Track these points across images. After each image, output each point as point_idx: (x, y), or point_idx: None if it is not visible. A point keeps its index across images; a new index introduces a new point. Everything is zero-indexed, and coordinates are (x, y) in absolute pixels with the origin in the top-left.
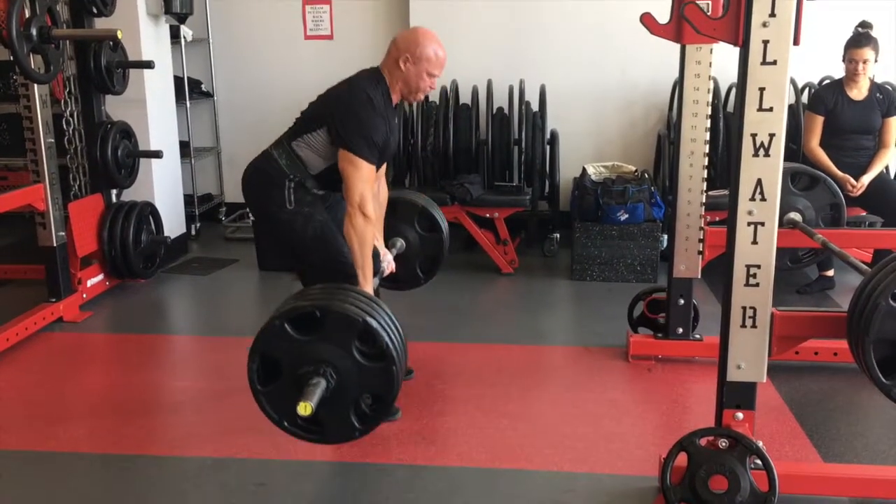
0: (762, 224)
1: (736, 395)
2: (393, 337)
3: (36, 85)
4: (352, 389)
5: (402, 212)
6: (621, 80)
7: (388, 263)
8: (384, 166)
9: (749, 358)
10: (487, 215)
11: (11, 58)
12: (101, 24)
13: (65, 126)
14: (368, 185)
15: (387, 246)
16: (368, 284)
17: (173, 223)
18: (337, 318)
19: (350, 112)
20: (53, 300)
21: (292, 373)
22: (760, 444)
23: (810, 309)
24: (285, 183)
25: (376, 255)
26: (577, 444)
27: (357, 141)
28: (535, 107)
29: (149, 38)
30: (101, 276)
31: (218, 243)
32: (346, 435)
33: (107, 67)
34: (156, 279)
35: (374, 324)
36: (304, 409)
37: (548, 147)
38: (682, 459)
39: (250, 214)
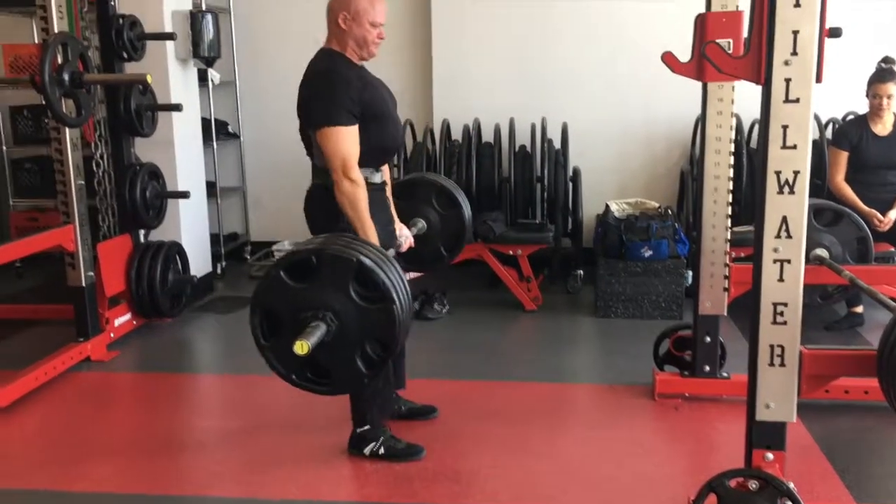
0: (788, 261)
1: (765, 436)
2: (392, 276)
3: (67, 128)
4: (354, 333)
5: (420, 193)
6: (643, 117)
7: (406, 238)
8: (393, 152)
9: (778, 397)
10: (510, 252)
11: (44, 102)
12: (131, 68)
13: (94, 168)
14: (350, 148)
15: (408, 227)
16: (371, 239)
17: (199, 262)
18: (332, 261)
19: (311, 94)
20: (81, 340)
21: (293, 321)
22: (791, 485)
23: (840, 347)
24: (333, 203)
25: (392, 234)
26: (603, 485)
27: (325, 110)
28: (557, 144)
29: (177, 82)
30: (128, 316)
31: (243, 282)
32: (354, 382)
33: (136, 110)
34: (182, 318)
35: (369, 262)
36: (301, 347)
37: (570, 184)
38: (711, 501)
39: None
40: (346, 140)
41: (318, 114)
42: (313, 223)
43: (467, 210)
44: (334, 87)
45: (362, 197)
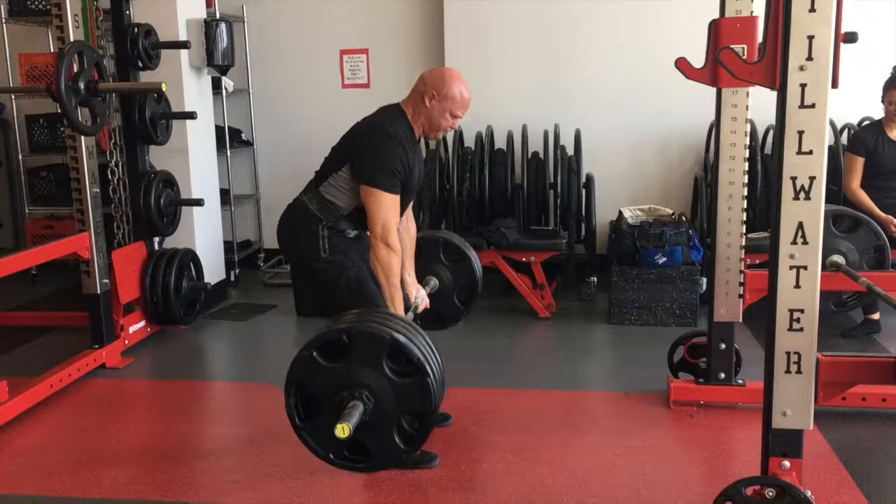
0: (805, 268)
1: (782, 443)
2: (423, 350)
3: (83, 137)
4: (390, 409)
5: (426, 250)
6: (657, 123)
7: (423, 299)
8: (410, 204)
9: (795, 405)
10: (524, 259)
11: (60, 111)
12: (146, 77)
13: (110, 176)
14: (391, 215)
15: (421, 285)
16: (399, 313)
17: (213, 269)
18: (364, 339)
19: (368, 145)
20: (96, 347)
21: (329, 401)
22: (809, 493)
23: (857, 354)
24: (318, 230)
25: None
26: (618, 493)
27: (375, 172)
28: (570, 151)
29: (191, 90)
30: (142, 323)
31: (257, 289)
32: (393, 457)
33: (151, 119)
34: (196, 325)
35: (402, 338)
36: (342, 430)
37: (583, 191)
38: None
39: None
40: (391, 207)
41: (372, 172)
42: (289, 240)
43: (476, 260)
44: (394, 155)
45: (396, 264)
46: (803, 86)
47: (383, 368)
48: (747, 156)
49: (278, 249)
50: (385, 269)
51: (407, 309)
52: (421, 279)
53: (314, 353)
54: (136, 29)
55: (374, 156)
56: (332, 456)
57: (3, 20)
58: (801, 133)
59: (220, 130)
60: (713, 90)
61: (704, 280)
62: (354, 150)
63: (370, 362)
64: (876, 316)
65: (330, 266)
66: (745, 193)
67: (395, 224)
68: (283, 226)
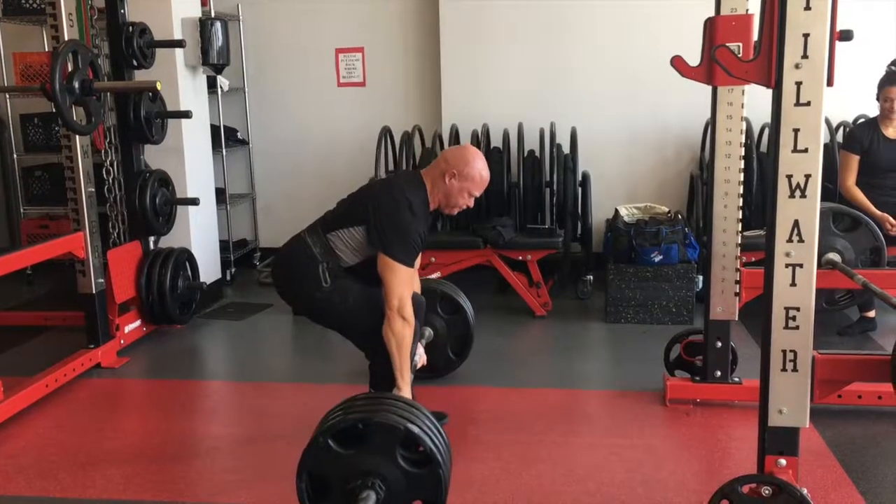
0: (800, 266)
1: (778, 441)
2: (436, 440)
3: (77, 136)
4: (401, 497)
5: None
6: (652, 121)
7: (420, 356)
8: (419, 260)
9: (791, 403)
10: (520, 258)
11: (54, 110)
12: (140, 76)
13: (105, 175)
14: (407, 288)
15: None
16: (406, 386)
17: (209, 269)
18: (378, 428)
19: (390, 218)
20: (92, 346)
21: (341, 488)
22: (805, 491)
23: (853, 352)
24: (318, 266)
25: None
26: (615, 492)
27: (397, 247)
28: (566, 149)
29: (187, 89)
30: (138, 323)
31: (252, 288)
32: None
33: (146, 118)
34: (191, 325)
35: (416, 429)
36: None
37: (579, 189)
38: None
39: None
40: (407, 280)
41: (392, 245)
42: (288, 277)
43: (470, 312)
44: (414, 229)
45: (410, 336)
46: (799, 84)
47: (396, 458)
48: (743, 154)
49: (274, 248)
50: (399, 341)
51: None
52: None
53: (329, 441)
54: (130, 28)
55: (397, 230)
56: None
57: None
58: (796, 131)
59: (215, 129)
60: (709, 88)
61: (700, 278)
62: (375, 217)
63: (383, 451)
64: (871, 314)
65: (332, 293)
66: (741, 191)
67: (410, 297)
68: (281, 265)
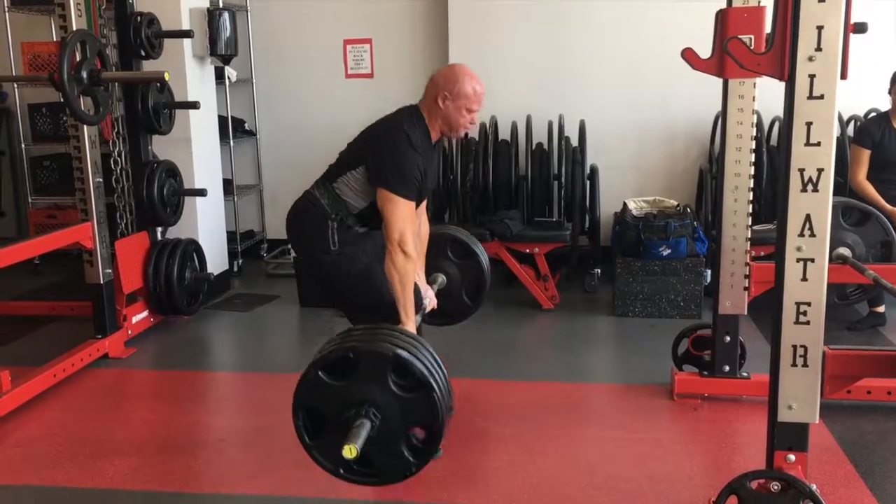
0: (812, 260)
1: (787, 437)
2: (428, 364)
3: (85, 126)
4: (397, 424)
5: (434, 247)
6: (662, 114)
7: (430, 300)
8: (424, 203)
9: (800, 398)
10: (527, 251)
11: (62, 100)
12: (148, 66)
13: (112, 165)
14: (408, 222)
15: (428, 283)
16: (410, 322)
17: (216, 260)
18: (368, 356)
19: (387, 151)
20: (99, 337)
21: (337, 420)
22: (814, 487)
23: (863, 347)
24: (328, 223)
25: (417, 293)
26: (622, 486)
27: (394, 179)
28: (574, 142)
29: (194, 80)
30: (145, 313)
31: (259, 279)
32: (402, 472)
33: (154, 108)
34: (199, 315)
35: (406, 354)
36: (350, 451)
37: (588, 182)
38: (732, 503)
39: (293, 252)
40: (407, 214)
41: (390, 178)
42: (298, 232)
43: (484, 256)
44: (411, 160)
45: (413, 270)
46: (812, 77)
47: (388, 384)
48: (753, 147)
49: (282, 240)
50: (401, 275)
51: (416, 311)
52: (428, 276)
53: (319, 373)
54: (139, 18)
55: (394, 162)
56: (342, 472)
57: (6, 9)
58: (809, 125)
59: (222, 120)
60: (719, 81)
61: (709, 272)
62: (373, 153)
63: (375, 379)
64: (881, 309)
65: (339, 258)
66: (751, 185)
67: (411, 231)
68: (292, 218)
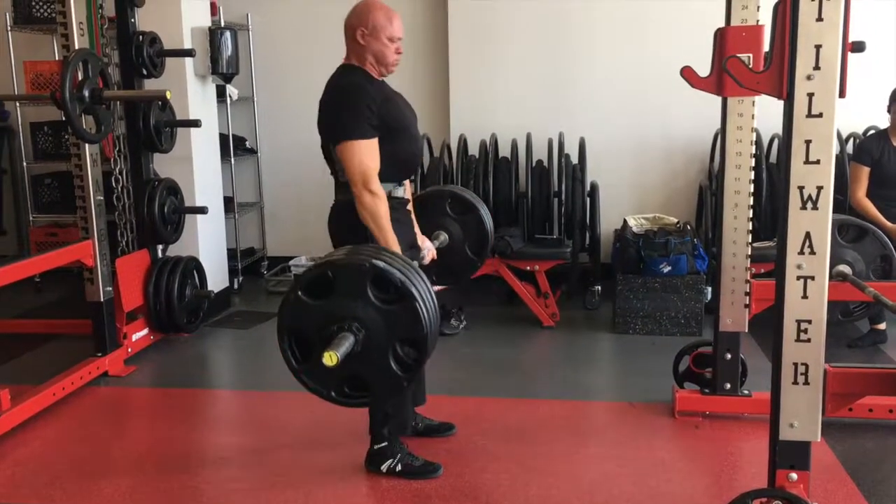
0: (812, 278)
1: (789, 455)
2: (408, 274)
3: (87, 144)
4: (382, 337)
5: (433, 205)
6: (661, 132)
7: (429, 251)
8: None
9: (802, 416)
10: (528, 268)
11: (64, 118)
12: (150, 85)
13: (114, 184)
14: (367, 160)
15: (430, 240)
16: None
17: (217, 277)
18: (345, 271)
19: (328, 108)
20: (99, 355)
21: (321, 339)
22: None
23: (865, 365)
24: (362, 229)
25: (416, 254)
26: None
27: (341, 125)
28: (574, 159)
29: (196, 98)
30: (145, 331)
31: (260, 297)
32: (394, 387)
33: (155, 126)
34: (199, 333)
35: (382, 264)
36: (330, 358)
37: (588, 199)
38: None
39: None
40: (367, 153)
41: (338, 129)
42: (337, 240)
43: (485, 210)
44: (354, 101)
45: (384, 209)
46: (811, 95)
47: (369, 297)
48: (753, 165)
49: (282, 257)
50: (373, 215)
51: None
52: (429, 234)
53: (300, 294)
54: (140, 37)
55: (338, 112)
56: (333, 394)
57: (9, 28)
58: (808, 142)
59: (224, 138)
60: (718, 99)
61: (709, 289)
62: (323, 124)
63: (355, 294)
64: (882, 326)
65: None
66: (751, 202)
67: (374, 169)
68: (334, 229)
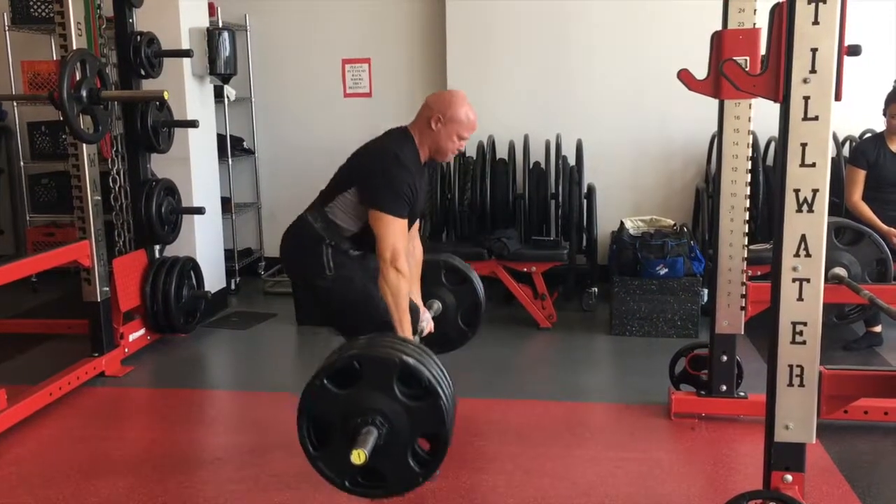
0: (807, 280)
1: (784, 457)
2: (434, 371)
3: (84, 144)
4: (404, 433)
5: (427, 274)
6: (658, 134)
7: (427, 322)
8: (417, 225)
9: (797, 418)
10: (525, 270)
11: (62, 118)
12: (148, 85)
13: (111, 184)
14: (400, 239)
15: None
16: (407, 337)
17: (214, 278)
18: (374, 364)
19: (376, 170)
20: (96, 355)
21: (343, 428)
22: None
23: (860, 367)
24: (322, 248)
25: (416, 313)
26: None
27: (384, 197)
28: (571, 161)
29: (194, 98)
30: (142, 331)
31: (257, 297)
32: (409, 482)
33: (153, 127)
34: (196, 333)
35: (412, 361)
36: (358, 456)
37: (585, 201)
38: None
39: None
40: (400, 232)
41: (378, 197)
42: (293, 258)
43: (478, 282)
44: (400, 179)
45: (405, 289)
46: (807, 98)
47: (395, 392)
48: (749, 168)
49: (279, 258)
50: (394, 293)
51: (413, 333)
52: (424, 303)
53: (325, 382)
54: (138, 37)
55: (384, 181)
56: (347, 483)
57: (7, 27)
58: (804, 145)
59: (221, 139)
60: (715, 101)
61: (706, 291)
62: (363, 173)
63: (381, 387)
64: (878, 328)
65: (335, 283)
66: (747, 205)
67: (403, 248)
68: (286, 244)
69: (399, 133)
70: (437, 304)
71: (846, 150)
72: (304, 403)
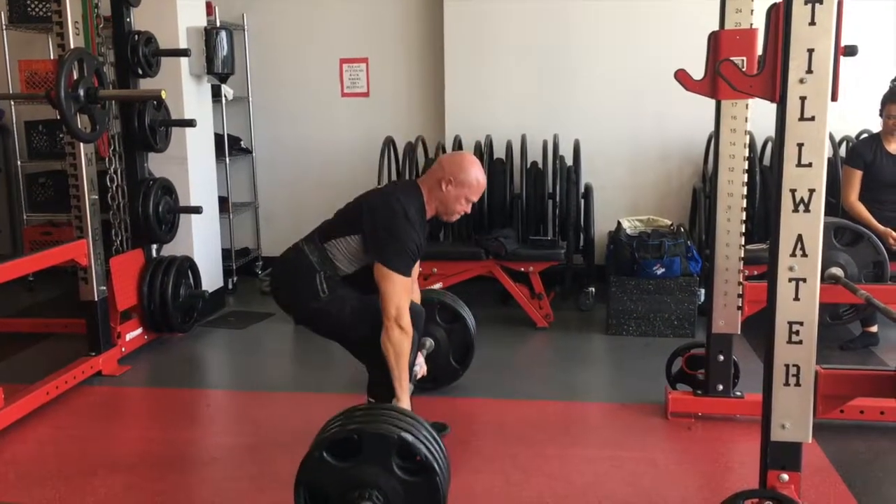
0: (804, 280)
1: (780, 456)
2: (431, 448)
3: (82, 143)
4: None
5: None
6: (656, 134)
7: (421, 367)
8: (417, 270)
9: (793, 417)
10: (522, 269)
11: (59, 117)
12: (145, 84)
13: (108, 183)
14: (404, 297)
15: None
16: (405, 395)
17: (211, 277)
18: (373, 439)
19: (386, 226)
20: (93, 354)
21: (339, 501)
22: None
23: (856, 367)
24: (316, 276)
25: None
26: None
27: (392, 255)
28: (569, 161)
29: (191, 98)
30: (139, 330)
31: (254, 297)
32: None
33: (150, 126)
34: (193, 333)
35: (411, 438)
36: None
37: (582, 201)
38: None
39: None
40: (404, 289)
41: (387, 254)
42: (287, 286)
43: (471, 320)
44: (407, 236)
45: (408, 347)
46: (803, 98)
47: (392, 467)
48: (746, 168)
49: (276, 257)
50: (397, 350)
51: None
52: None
53: (324, 454)
54: (136, 36)
55: (393, 238)
56: None
57: (4, 26)
58: (800, 146)
59: (219, 138)
60: (712, 102)
61: (703, 291)
62: (371, 226)
63: (379, 461)
64: (874, 328)
65: (330, 303)
66: (744, 205)
67: (407, 306)
68: (280, 271)
69: (409, 188)
70: (430, 342)
71: (843, 151)
72: (303, 473)
